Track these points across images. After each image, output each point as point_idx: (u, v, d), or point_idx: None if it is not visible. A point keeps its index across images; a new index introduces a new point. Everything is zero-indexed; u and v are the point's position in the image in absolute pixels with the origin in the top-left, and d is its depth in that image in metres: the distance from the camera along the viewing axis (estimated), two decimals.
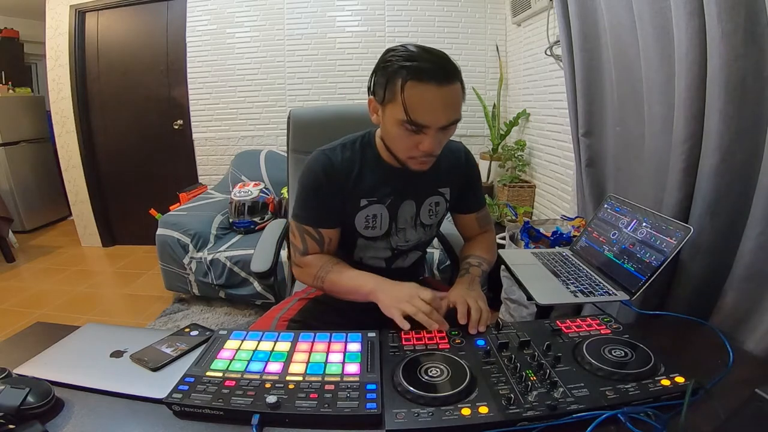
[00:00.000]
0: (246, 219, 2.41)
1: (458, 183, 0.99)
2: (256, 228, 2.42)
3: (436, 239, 1.28)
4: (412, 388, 0.59)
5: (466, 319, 0.76)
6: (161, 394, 0.59)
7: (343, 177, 0.88)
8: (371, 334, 0.74)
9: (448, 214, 1.07)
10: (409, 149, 0.80)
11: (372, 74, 0.80)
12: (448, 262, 1.29)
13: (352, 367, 0.65)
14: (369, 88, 0.82)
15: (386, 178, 0.90)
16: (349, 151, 0.90)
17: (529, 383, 0.60)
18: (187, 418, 0.58)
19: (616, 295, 0.91)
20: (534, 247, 1.48)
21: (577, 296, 0.92)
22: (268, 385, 0.61)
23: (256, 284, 2.16)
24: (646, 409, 0.55)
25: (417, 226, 0.96)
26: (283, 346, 0.71)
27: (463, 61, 2.77)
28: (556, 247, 1.25)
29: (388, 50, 0.77)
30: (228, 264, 2.16)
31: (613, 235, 1.04)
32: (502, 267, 1.65)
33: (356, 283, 0.86)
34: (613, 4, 1.18)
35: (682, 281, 0.98)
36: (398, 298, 0.77)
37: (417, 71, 0.72)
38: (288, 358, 0.67)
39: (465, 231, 1.10)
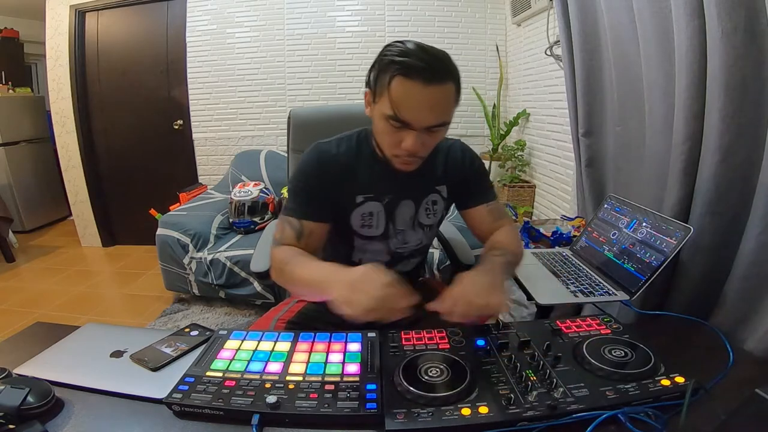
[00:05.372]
0: (246, 219, 2.41)
1: (456, 180, 0.96)
2: (256, 228, 2.42)
3: (435, 239, 1.28)
4: (412, 388, 0.59)
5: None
6: (161, 394, 0.59)
7: (338, 170, 0.87)
8: (371, 334, 0.74)
9: (450, 214, 1.05)
10: (393, 146, 0.79)
11: (371, 67, 0.80)
12: (448, 262, 1.28)
13: (352, 367, 0.65)
14: (366, 81, 0.81)
15: (382, 175, 0.89)
16: (345, 145, 0.90)
17: (529, 383, 0.60)
18: (187, 418, 0.58)
19: (616, 295, 0.91)
20: (534, 247, 1.48)
21: (577, 296, 0.92)
22: (268, 385, 0.61)
23: (256, 284, 2.15)
24: (646, 409, 0.55)
25: (416, 226, 0.95)
26: (283, 346, 0.71)
27: (463, 61, 2.78)
28: (556, 247, 1.25)
29: (387, 45, 0.77)
30: (228, 264, 2.16)
31: (613, 235, 1.04)
32: None
33: (313, 273, 0.76)
34: (613, 4, 1.18)
35: (682, 281, 0.98)
36: (354, 288, 0.65)
37: (405, 67, 0.71)
38: (288, 358, 0.67)
39: (478, 227, 0.98)
